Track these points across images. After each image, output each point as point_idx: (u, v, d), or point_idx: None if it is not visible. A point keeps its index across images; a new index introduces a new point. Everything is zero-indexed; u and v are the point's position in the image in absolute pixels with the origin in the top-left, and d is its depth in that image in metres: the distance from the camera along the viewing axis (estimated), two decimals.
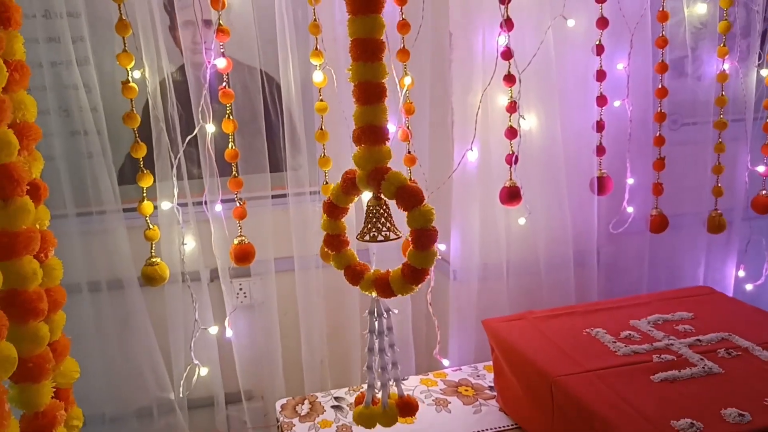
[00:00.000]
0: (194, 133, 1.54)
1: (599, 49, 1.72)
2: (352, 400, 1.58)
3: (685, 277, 2.03)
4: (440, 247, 1.77)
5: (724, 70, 1.79)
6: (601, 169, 1.80)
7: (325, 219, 1.16)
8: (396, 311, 1.16)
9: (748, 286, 2.04)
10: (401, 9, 1.58)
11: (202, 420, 1.78)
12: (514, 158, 1.68)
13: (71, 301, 1.64)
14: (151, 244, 1.53)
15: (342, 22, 1.66)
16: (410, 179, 1.61)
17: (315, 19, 1.56)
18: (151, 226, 1.53)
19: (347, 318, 1.81)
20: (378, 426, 1.17)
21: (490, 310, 1.77)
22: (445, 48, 1.73)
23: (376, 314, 1.14)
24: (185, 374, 1.63)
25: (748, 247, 2.03)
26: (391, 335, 1.16)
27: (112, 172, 1.64)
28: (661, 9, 1.76)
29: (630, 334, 1.39)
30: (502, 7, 1.60)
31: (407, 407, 1.17)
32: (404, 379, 1.60)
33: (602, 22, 1.71)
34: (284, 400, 1.59)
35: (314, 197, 1.75)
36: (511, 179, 1.68)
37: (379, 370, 1.15)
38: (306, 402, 1.57)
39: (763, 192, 1.85)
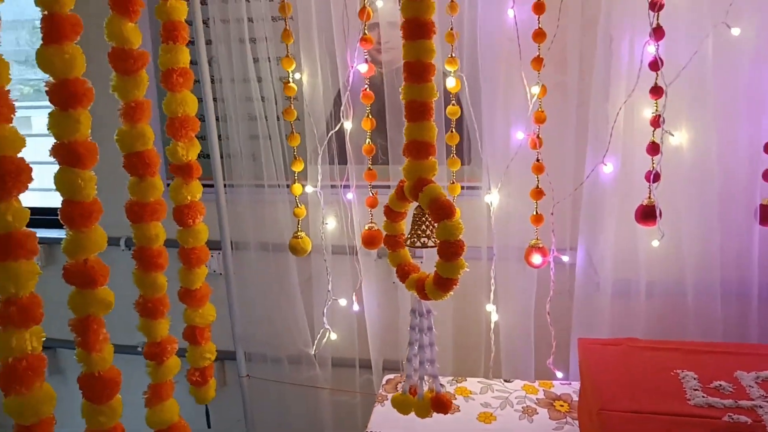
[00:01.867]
0: (336, 128, 1.75)
1: None
2: (452, 389, 1.67)
3: None
4: (563, 258, 1.73)
5: None
6: None
7: (385, 221, 1.28)
8: (435, 313, 1.24)
9: None
10: (538, 18, 1.58)
11: (339, 380, 2.03)
12: (654, 175, 1.57)
13: (241, 256, 2.00)
14: (298, 220, 1.80)
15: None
16: (537, 187, 1.64)
17: (452, 29, 1.64)
18: (299, 205, 1.79)
19: (474, 311, 1.88)
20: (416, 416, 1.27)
21: (618, 330, 1.70)
22: (585, 57, 1.67)
23: (417, 313, 1.24)
24: (318, 336, 1.88)
25: None
26: (430, 334, 1.24)
27: (279, 153, 1.93)
28: None
29: (721, 385, 1.26)
30: (652, 13, 1.50)
31: (440, 403, 1.25)
32: (460, 380, 1.65)
33: None
34: (391, 375, 1.75)
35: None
36: (649, 198, 1.59)
37: (418, 364, 1.25)
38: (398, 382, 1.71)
39: None
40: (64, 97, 1.06)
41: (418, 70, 1.13)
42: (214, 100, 1.92)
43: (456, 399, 1.61)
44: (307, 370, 2.01)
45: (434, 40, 1.12)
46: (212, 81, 1.90)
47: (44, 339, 1.07)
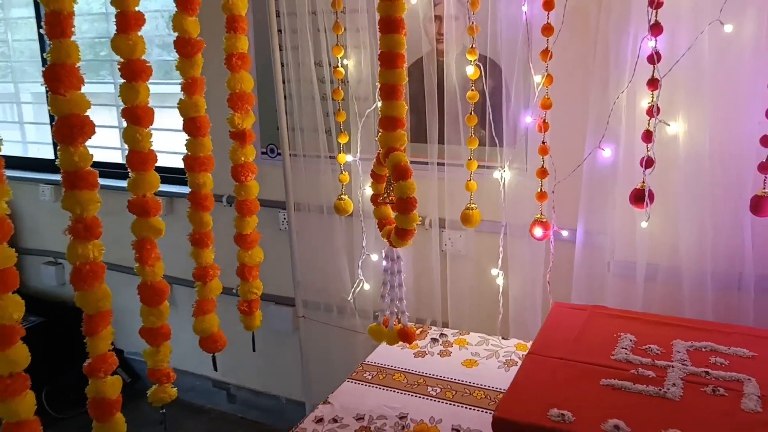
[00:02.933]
0: (372, 107, 2.04)
1: None
2: (453, 340, 1.91)
3: None
4: (563, 233, 1.90)
5: None
6: (765, 189, 1.64)
7: (371, 183, 1.55)
8: (402, 260, 1.50)
9: None
10: (548, 14, 1.76)
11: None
12: (647, 161, 1.70)
13: (300, 216, 2.35)
14: (342, 185, 2.11)
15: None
16: (542, 167, 1.83)
17: (472, 23, 1.86)
18: (343, 172, 2.10)
19: (489, 278, 2.09)
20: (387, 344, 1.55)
21: (610, 302, 1.84)
22: (590, 50, 1.82)
23: (389, 258, 1.51)
24: (354, 286, 2.19)
25: None
26: (399, 277, 1.51)
27: (333, 128, 2.25)
28: None
29: (650, 348, 1.41)
30: (651, 10, 1.63)
31: (405, 335, 1.51)
32: (464, 333, 1.86)
33: None
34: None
35: (459, 168, 2.06)
36: (643, 182, 1.72)
37: (391, 301, 1.52)
38: (420, 330, 1.97)
39: None
40: (128, 73, 1.45)
41: (390, 59, 1.39)
42: (284, 82, 2.28)
43: (452, 347, 1.86)
44: (350, 317, 2.33)
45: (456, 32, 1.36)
46: (282, 65, 2.26)
47: (163, 275, 1.47)
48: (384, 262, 1.52)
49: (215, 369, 1.87)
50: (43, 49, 3.25)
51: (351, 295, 2.23)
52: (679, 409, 1.19)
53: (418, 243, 2.21)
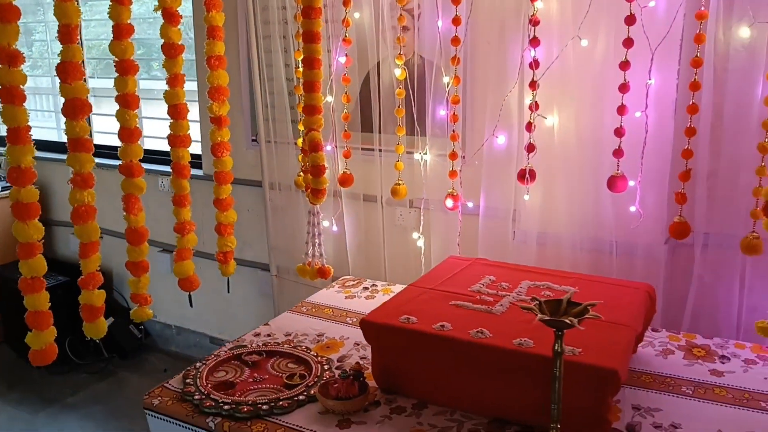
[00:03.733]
0: (324, 100, 2.51)
1: (624, 66, 2.00)
2: (381, 288, 2.36)
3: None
4: (469, 204, 2.35)
5: None
6: (618, 170, 2.07)
7: (303, 156, 2.03)
8: (322, 214, 1.98)
9: None
10: (455, 29, 2.21)
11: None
12: (529, 146, 2.15)
13: (273, 194, 2.82)
14: (301, 165, 2.58)
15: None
16: (453, 151, 2.28)
17: (398, 38, 2.33)
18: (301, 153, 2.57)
19: (407, 240, 2.54)
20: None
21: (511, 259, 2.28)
22: (489, 58, 2.27)
23: (310, 214, 1.98)
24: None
25: None
26: (319, 228, 1.98)
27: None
28: (698, 32, 1.91)
29: (502, 285, 1.85)
30: (530, 27, 2.08)
31: (322, 272, 1.99)
32: (390, 284, 2.32)
33: (628, 42, 1.98)
34: (350, 278, 2.48)
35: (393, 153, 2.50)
36: (527, 163, 2.16)
37: (312, 246, 2.00)
38: (357, 282, 2.43)
39: None
40: (121, 69, 1.95)
41: (310, 62, 1.87)
42: (269, 79, 2.77)
43: (378, 293, 2.31)
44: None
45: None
46: (262, 66, 2.75)
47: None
48: (308, 218, 2.00)
49: (191, 305, 2.33)
50: None
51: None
52: (495, 318, 1.64)
53: (366, 216, 2.68)
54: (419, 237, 2.47)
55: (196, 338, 3.78)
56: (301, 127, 2.52)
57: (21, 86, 1.69)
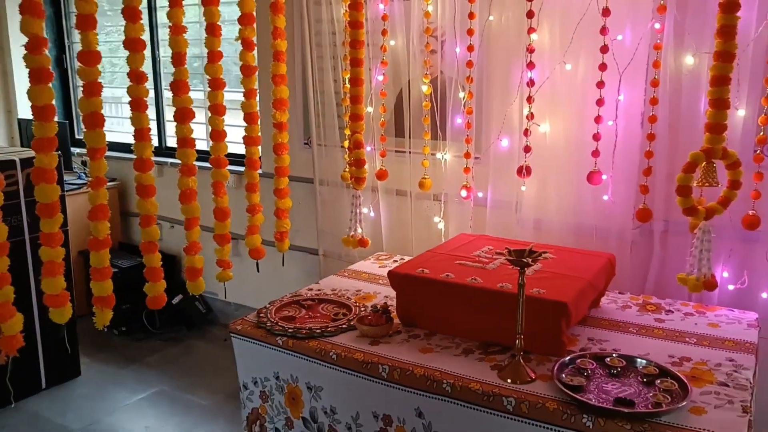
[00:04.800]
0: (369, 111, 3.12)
1: (600, 85, 2.54)
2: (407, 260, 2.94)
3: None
4: (479, 194, 2.92)
5: None
6: (596, 166, 2.61)
7: (348, 153, 2.63)
8: (362, 197, 2.58)
9: (730, 287, 2.48)
10: (470, 54, 2.80)
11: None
12: (525, 148, 2.71)
13: (323, 189, 3.44)
14: (346, 162, 3.20)
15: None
16: (467, 152, 2.86)
17: (426, 61, 2.92)
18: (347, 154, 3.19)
19: (430, 225, 3.13)
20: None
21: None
22: (495, 78, 2.84)
23: (354, 197, 2.58)
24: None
25: (731, 253, 2.47)
26: (360, 208, 2.58)
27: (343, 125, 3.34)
28: (656, 59, 2.46)
29: (497, 252, 2.42)
30: (527, 54, 2.65)
31: (363, 242, 2.59)
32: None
33: (602, 66, 2.53)
34: (383, 254, 3.07)
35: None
36: (525, 161, 2.73)
37: (355, 223, 2.60)
38: (388, 256, 3.02)
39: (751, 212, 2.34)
40: (134, 77, 2.58)
41: (355, 81, 2.48)
42: (321, 92, 3.39)
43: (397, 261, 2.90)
44: (352, 254, 3.43)
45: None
46: (316, 81, 3.37)
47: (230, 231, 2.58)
48: (352, 200, 2.61)
49: (258, 270, 2.90)
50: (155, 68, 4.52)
51: (350, 234, 3.33)
52: (487, 272, 2.21)
53: (397, 205, 3.27)
54: (440, 221, 3.06)
55: (251, 313, 4.42)
56: (347, 132, 3.15)
57: (144, 98, 2.35)
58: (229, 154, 2.64)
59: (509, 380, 1.85)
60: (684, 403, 1.69)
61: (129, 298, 3.41)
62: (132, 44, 2.28)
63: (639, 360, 1.91)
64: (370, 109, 3.13)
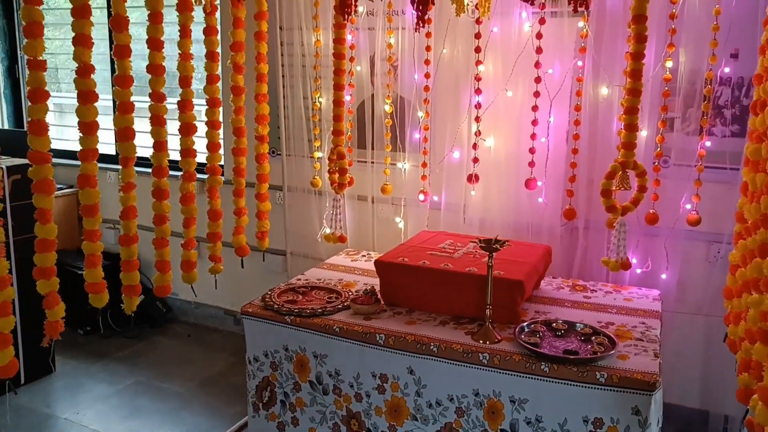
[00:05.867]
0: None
1: (534, 108, 3.14)
2: (374, 255, 3.43)
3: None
4: (434, 198, 3.46)
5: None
6: (531, 174, 3.20)
7: (331, 163, 3.10)
8: (339, 198, 3.05)
9: (638, 270, 3.14)
10: (426, 80, 3.33)
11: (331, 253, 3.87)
12: (474, 159, 3.27)
13: (291, 195, 3.87)
14: (315, 170, 3.64)
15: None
16: (423, 162, 3.38)
17: (388, 85, 3.43)
18: (316, 162, 3.64)
19: (390, 224, 3.64)
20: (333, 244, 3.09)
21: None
22: (450, 98, 3.40)
23: (335, 199, 3.04)
24: (321, 229, 3.74)
25: (638, 244, 3.13)
26: (341, 209, 3.04)
27: (310, 138, 3.80)
28: (578, 89, 3.07)
29: (458, 244, 2.95)
30: (475, 81, 3.21)
31: (342, 238, 3.05)
32: (375, 254, 3.41)
33: (536, 94, 3.12)
34: (351, 250, 3.54)
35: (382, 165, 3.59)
36: (473, 170, 3.28)
37: (336, 222, 3.06)
38: (357, 252, 3.49)
39: (651, 210, 2.98)
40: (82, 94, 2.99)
41: (338, 102, 2.94)
42: (292, 108, 3.82)
43: (371, 258, 3.38)
44: (318, 252, 3.87)
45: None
46: (287, 97, 3.80)
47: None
48: (333, 202, 3.07)
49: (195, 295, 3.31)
50: None
51: (319, 235, 3.77)
52: (455, 260, 2.74)
53: (360, 208, 3.75)
54: (400, 221, 3.57)
55: (212, 311, 4.75)
56: (317, 144, 3.60)
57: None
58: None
59: (481, 341, 2.38)
60: (613, 351, 2.28)
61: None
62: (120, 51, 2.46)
63: (577, 324, 2.49)
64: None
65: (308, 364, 2.60)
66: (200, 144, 2.98)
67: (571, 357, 2.25)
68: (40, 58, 2.14)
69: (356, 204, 3.76)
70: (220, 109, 3.05)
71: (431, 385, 2.41)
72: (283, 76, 3.78)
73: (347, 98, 3.47)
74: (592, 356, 2.25)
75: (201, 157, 3.02)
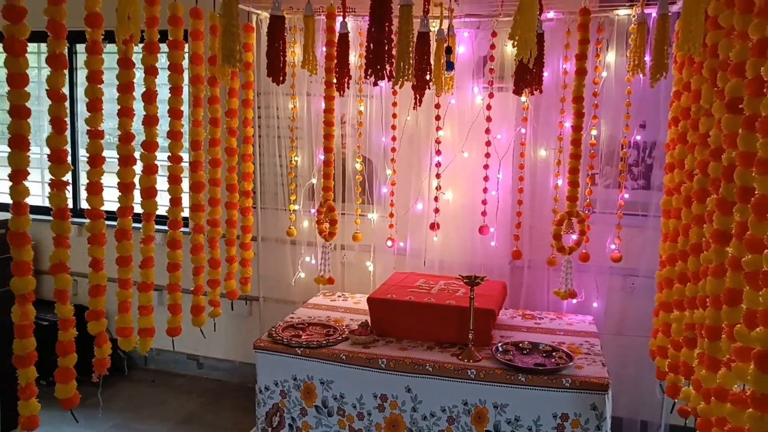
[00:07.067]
0: (309, 182, 4.06)
1: (485, 167, 3.75)
2: (348, 295, 3.88)
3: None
4: (401, 243, 3.99)
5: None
6: (484, 222, 3.80)
7: (317, 214, 3.55)
8: (328, 245, 3.51)
9: (574, 300, 3.78)
10: (393, 142, 3.88)
11: (308, 295, 4.27)
12: (435, 209, 3.83)
13: (265, 245, 4.27)
14: (291, 221, 4.07)
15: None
16: (391, 213, 3.90)
17: (359, 145, 3.96)
18: (292, 214, 4.08)
19: (359, 268, 4.11)
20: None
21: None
22: (413, 158, 3.97)
23: (324, 247, 3.49)
24: (294, 275, 4.15)
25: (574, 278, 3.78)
26: (329, 256, 3.50)
27: (286, 192, 4.23)
28: (521, 152, 3.72)
29: (430, 282, 3.47)
30: (435, 144, 3.79)
31: (331, 280, 3.50)
32: (353, 295, 3.88)
33: (487, 155, 3.74)
34: (326, 291, 3.97)
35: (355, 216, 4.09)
36: (435, 220, 3.84)
37: (325, 266, 3.50)
38: (333, 293, 3.93)
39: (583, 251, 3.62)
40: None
41: (327, 164, 3.43)
42: (268, 165, 4.24)
43: (347, 300, 3.83)
44: (292, 296, 4.26)
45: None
46: (259, 155, 4.23)
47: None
48: (322, 249, 3.51)
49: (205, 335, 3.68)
50: None
51: (293, 279, 4.17)
52: (433, 294, 3.26)
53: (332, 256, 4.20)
54: (370, 264, 4.06)
55: (175, 356, 4.97)
56: (293, 198, 4.05)
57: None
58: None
59: (466, 360, 2.89)
60: (571, 363, 2.85)
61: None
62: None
63: (540, 344, 3.06)
64: (313, 180, 4.07)
65: (315, 390, 3.01)
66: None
67: (541, 368, 2.80)
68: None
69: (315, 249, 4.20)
70: (220, 168, 3.44)
71: (426, 400, 2.88)
72: (259, 136, 4.21)
73: (321, 157, 3.96)
74: (557, 367, 2.81)
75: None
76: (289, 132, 4.03)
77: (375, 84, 2.10)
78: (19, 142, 2.20)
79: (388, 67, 2.00)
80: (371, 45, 1.99)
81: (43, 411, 4.37)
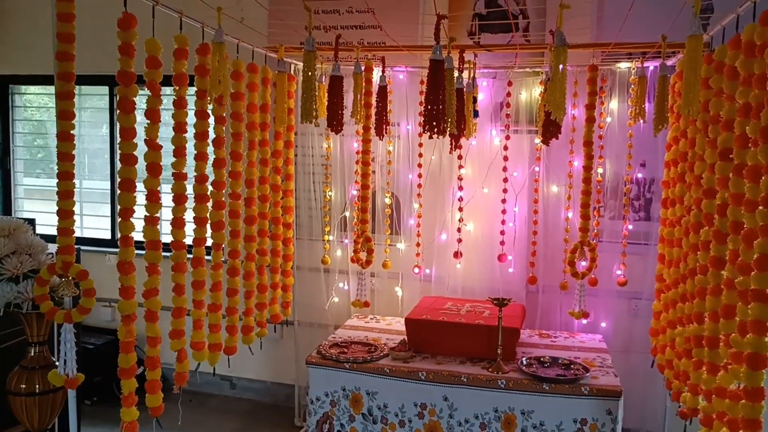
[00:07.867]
0: (342, 214, 4.48)
1: (503, 201, 4.19)
2: (380, 318, 4.27)
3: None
4: (427, 271, 4.40)
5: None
6: (503, 251, 4.22)
7: (354, 245, 3.97)
8: (365, 272, 3.92)
9: (584, 321, 4.19)
10: (419, 179, 4.32)
11: (340, 320, 4.66)
12: (458, 240, 4.25)
13: (300, 274, 4.69)
14: (325, 250, 4.48)
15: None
16: (417, 242, 4.33)
17: (388, 182, 4.39)
18: (326, 243, 4.48)
19: (388, 293, 4.52)
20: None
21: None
22: (438, 194, 4.41)
23: (362, 274, 3.90)
24: (329, 299, 4.54)
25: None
26: (366, 281, 3.90)
27: (321, 223, 4.65)
28: (535, 187, 4.17)
29: (458, 305, 3.88)
30: (458, 181, 4.23)
31: (367, 304, 3.90)
32: (383, 318, 4.27)
33: (504, 191, 4.18)
34: (360, 314, 4.37)
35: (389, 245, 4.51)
36: (458, 248, 4.26)
37: (361, 290, 3.91)
38: (369, 317, 4.32)
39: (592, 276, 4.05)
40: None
41: (364, 199, 3.86)
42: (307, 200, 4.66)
43: (380, 321, 4.23)
44: (325, 320, 4.64)
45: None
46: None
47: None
48: (359, 276, 3.92)
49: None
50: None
51: (327, 304, 4.56)
52: (463, 315, 3.67)
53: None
54: (399, 290, 4.47)
55: (207, 377, 5.29)
56: (327, 228, 4.46)
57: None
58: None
59: (496, 372, 3.29)
60: (588, 374, 3.26)
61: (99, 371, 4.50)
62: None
63: (559, 358, 3.46)
64: (346, 213, 4.49)
65: (361, 400, 3.39)
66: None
67: (562, 378, 3.20)
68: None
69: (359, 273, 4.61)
70: (268, 203, 3.85)
71: (461, 408, 3.27)
72: (295, 173, 4.63)
73: (354, 192, 4.39)
74: (576, 377, 3.22)
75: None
76: (324, 169, 4.47)
77: (431, 137, 2.53)
78: (127, 185, 2.62)
79: (442, 124, 2.43)
80: (429, 106, 2.42)
81: (93, 428, 4.75)
